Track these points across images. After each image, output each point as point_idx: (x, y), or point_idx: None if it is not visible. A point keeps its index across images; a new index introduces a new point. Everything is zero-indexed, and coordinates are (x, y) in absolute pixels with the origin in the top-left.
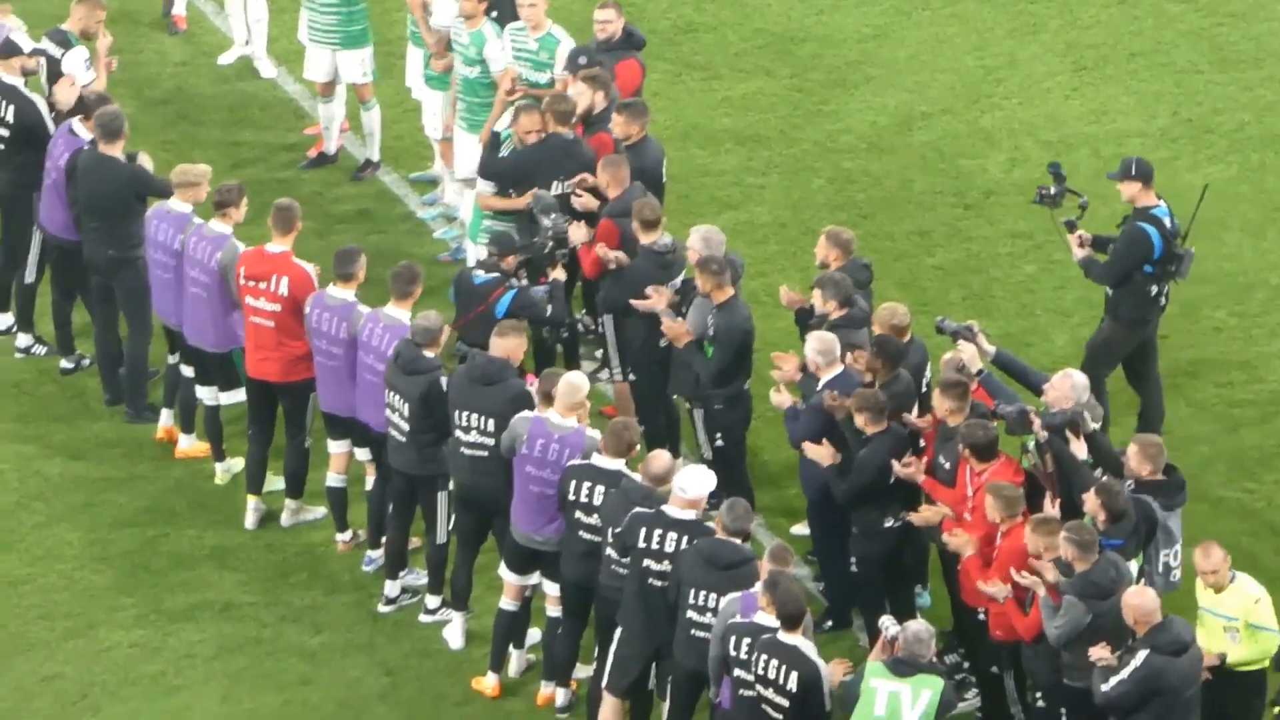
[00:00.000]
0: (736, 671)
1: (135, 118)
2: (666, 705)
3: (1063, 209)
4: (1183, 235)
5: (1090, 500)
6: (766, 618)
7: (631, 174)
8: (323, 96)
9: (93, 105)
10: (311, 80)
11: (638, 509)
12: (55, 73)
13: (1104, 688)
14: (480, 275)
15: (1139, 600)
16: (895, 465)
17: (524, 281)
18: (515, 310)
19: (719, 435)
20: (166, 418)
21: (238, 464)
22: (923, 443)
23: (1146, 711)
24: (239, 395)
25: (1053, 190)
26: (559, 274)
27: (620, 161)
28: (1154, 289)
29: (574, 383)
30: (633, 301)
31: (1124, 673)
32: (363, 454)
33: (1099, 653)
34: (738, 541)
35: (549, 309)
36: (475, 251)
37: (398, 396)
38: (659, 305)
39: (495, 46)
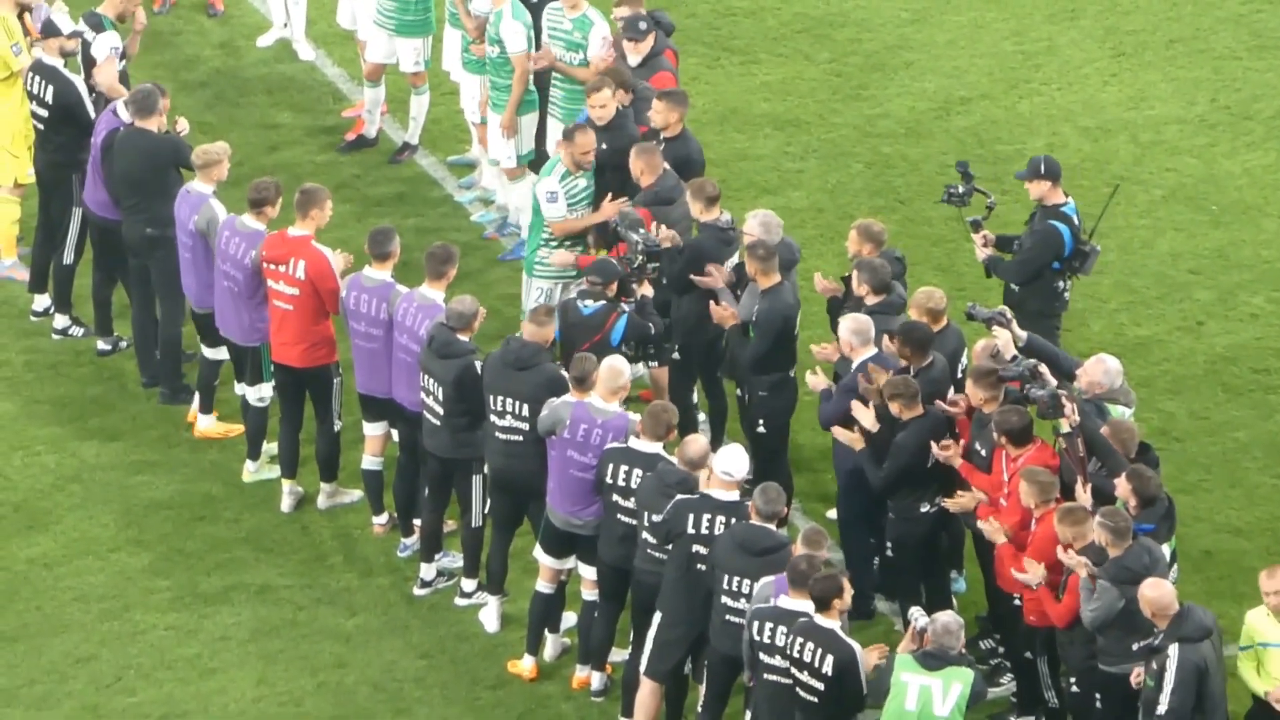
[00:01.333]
0: (761, 655)
1: (173, 100)
2: (703, 689)
3: (971, 208)
4: (1089, 232)
5: (1122, 485)
6: (794, 601)
7: (673, 165)
8: (370, 81)
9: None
10: (371, 61)
11: (681, 497)
12: (87, 56)
13: (1161, 710)
14: (589, 306)
15: (1156, 593)
16: (934, 448)
17: (631, 305)
18: (630, 334)
19: (761, 422)
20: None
21: (265, 470)
22: (958, 429)
23: (1202, 703)
24: (264, 390)
25: (961, 189)
26: (647, 290)
27: (653, 149)
28: (1060, 285)
29: (616, 366)
30: (693, 276)
31: (1170, 683)
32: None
33: (1137, 680)
34: (771, 527)
35: (652, 326)
36: (526, 285)
37: (432, 380)
38: (717, 283)
39: (511, 27)
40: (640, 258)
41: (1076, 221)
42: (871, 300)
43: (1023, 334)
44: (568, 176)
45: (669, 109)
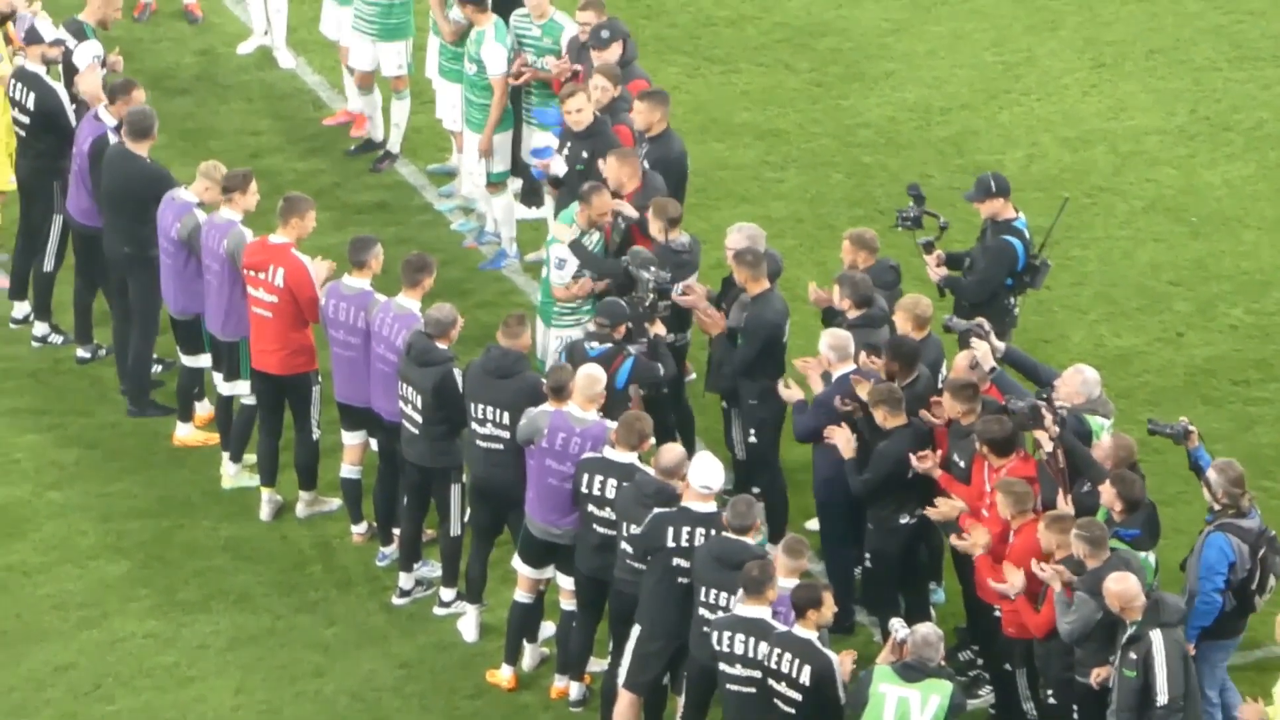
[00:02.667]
0: (721, 666)
1: (153, 106)
2: (681, 700)
3: (924, 230)
4: (1039, 246)
5: (1106, 491)
6: (750, 609)
7: (656, 165)
8: (363, 89)
9: (118, 90)
10: (359, 69)
11: (658, 511)
12: (69, 64)
13: (1161, 700)
14: (595, 348)
15: (1120, 586)
16: (912, 459)
17: (638, 348)
18: (636, 377)
19: (752, 431)
20: (200, 408)
21: (244, 478)
22: (935, 439)
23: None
24: (240, 387)
25: (913, 213)
26: (659, 329)
27: (630, 154)
28: (1010, 301)
29: (592, 374)
30: (675, 297)
31: (1160, 668)
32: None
33: (1101, 676)
34: (747, 540)
35: (660, 368)
36: (544, 335)
37: (411, 389)
38: (698, 303)
39: (492, 50)
40: (651, 296)
41: (1027, 236)
42: (853, 314)
43: (1001, 345)
44: (582, 236)
45: (650, 109)
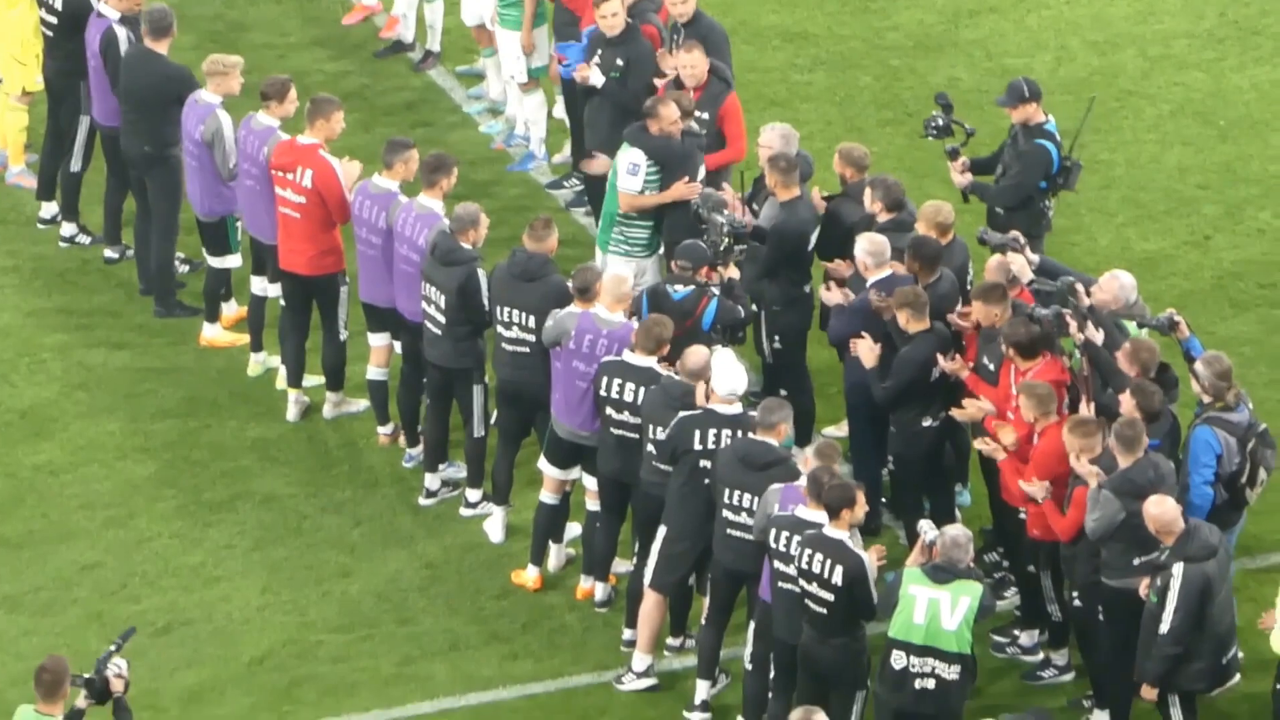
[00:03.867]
0: (776, 564)
1: (181, 8)
2: (706, 601)
3: (953, 137)
4: (1070, 147)
5: (1125, 401)
6: (809, 512)
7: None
8: None
9: None
10: None
11: (684, 414)
12: None
13: (1164, 629)
14: (679, 290)
15: (1159, 510)
16: (940, 360)
17: (718, 288)
18: (720, 319)
19: (777, 337)
20: (229, 308)
21: (274, 360)
22: (964, 342)
23: (1204, 624)
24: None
25: (941, 121)
26: (733, 272)
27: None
28: (1045, 205)
29: (619, 274)
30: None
31: (1171, 601)
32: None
33: (1145, 591)
34: (772, 441)
35: (742, 309)
36: (603, 261)
37: (434, 289)
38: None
39: None
40: (726, 240)
41: (1058, 138)
42: (884, 217)
43: (1035, 257)
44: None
45: None
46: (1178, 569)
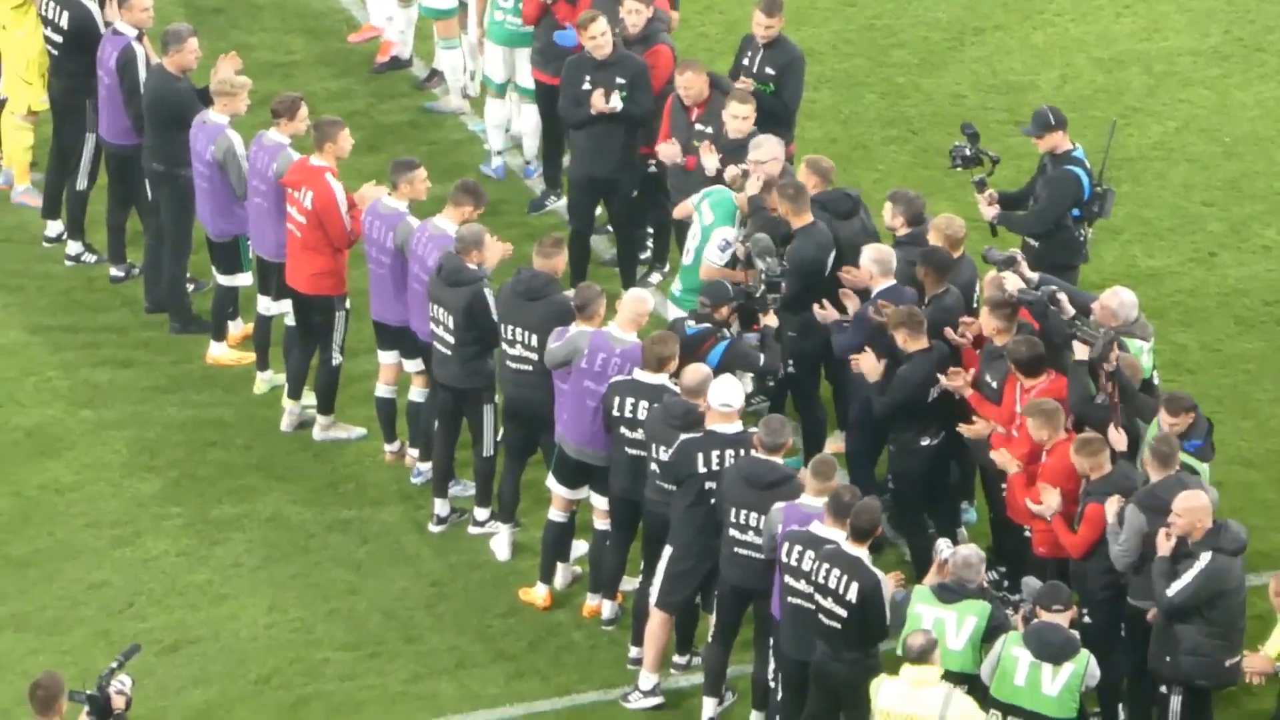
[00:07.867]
0: (787, 579)
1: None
2: (712, 619)
3: (980, 166)
4: (1099, 174)
5: (1163, 415)
6: (825, 529)
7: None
8: (402, 1)
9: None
10: None
11: (685, 437)
12: None
13: (1169, 593)
14: (692, 326)
15: (1191, 503)
16: (941, 377)
17: (735, 330)
18: (728, 362)
19: (792, 363)
20: (235, 326)
21: (280, 378)
22: (963, 360)
23: (1209, 612)
24: (283, 307)
25: (968, 151)
26: (771, 320)
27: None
28: (1081, 234)
29: (640, 294)
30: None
31: (1187, 576)
32: (411, 365)
33: (1164, 544)
34: (776, 459)
35: (761, 358)
36: (662, 305)
37: (442, 310)
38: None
39: None
40: (762, 287)
41: (1088, 165)
42: (903, 231)
43: (1033, 276)
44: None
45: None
46: (1205, 555)
